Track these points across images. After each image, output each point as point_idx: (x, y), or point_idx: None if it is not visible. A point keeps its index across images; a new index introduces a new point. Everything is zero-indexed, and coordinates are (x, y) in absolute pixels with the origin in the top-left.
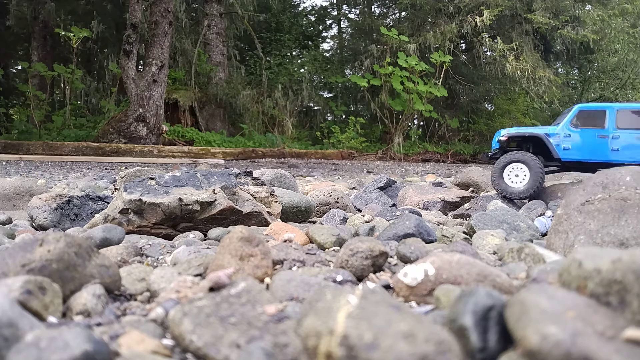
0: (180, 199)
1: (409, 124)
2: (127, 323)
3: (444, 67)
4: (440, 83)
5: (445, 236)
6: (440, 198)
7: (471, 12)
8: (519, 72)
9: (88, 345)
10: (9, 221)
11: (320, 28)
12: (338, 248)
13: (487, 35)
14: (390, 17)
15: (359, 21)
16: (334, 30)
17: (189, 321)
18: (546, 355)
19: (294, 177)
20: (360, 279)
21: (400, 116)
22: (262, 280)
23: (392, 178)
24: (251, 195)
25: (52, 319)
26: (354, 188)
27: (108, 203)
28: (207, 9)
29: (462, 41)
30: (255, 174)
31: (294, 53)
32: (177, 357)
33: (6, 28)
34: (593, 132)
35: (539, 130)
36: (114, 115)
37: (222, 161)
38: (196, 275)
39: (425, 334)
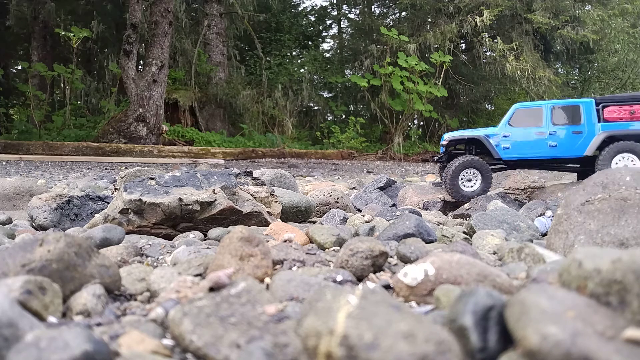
0: (180, 199)
1: (409, 124)
2: (127, 323)
3: (444, 67)
4: (440, 83)
5: (445, 236)
6: (440, 198)
7: (471, 12)
8: (519, 72)
9: (88, 345)
10: (9, 221)
11: (320, 28)
12: (338, 248)
13: (487, 35)
14: (390, 17)
15: (359, 21)
16: (334, 30)
17: (189, 321)
18: (546, 355)
19: (294, 177)
20: (360, 279)
21: (400, 116)
22: (262, 280)
23: (392, 178)
24: (251, 195)
25: (52, 319)
26: (354, 188)
27: (108, 203)
28: (207, 9)
29: (462, 41)
30: (255, 174)
31: (294, 53)
32: (177, 357)
33: (6, 28)
34: (530, 130)
35: (479, 132)
36: (114, 115)
37: (222, 161)
38: (196, 275)
39: (425, 334)
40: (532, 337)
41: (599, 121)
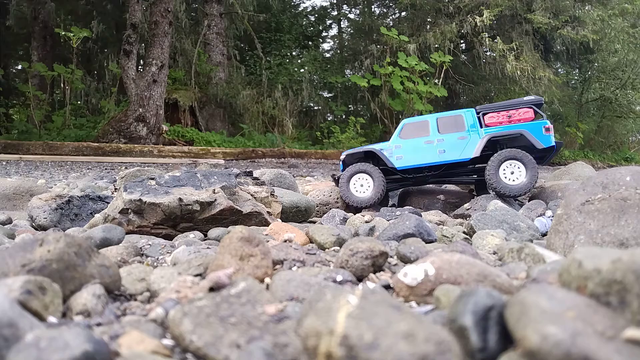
0: (180, 199)
1: None
2: (127, 323)
3: (444, 67)
4: (440, 83)
5: (445, 236)
6: (440, 198)
7: (471, 12)
8: (519, 72)
9: (88, 345)
10: (9, 221)
11: (320, 28)
12: (338, 248)
13: (487, 35)
14: (390, 17)
15: (359, 21)
16: (334, 30)
17: (189, 321)
18: (546, 355)
19: (294, 177)
20: (360, 279)
21: (400, 116)
22: (262, 280)
23: None
24: (251, 195)
25: (52, 319)
26: None
27: (108, 203)
28: (207, 9)
29: (462, 41)
30: (255, 174)
31: (294, 53)
32: (177, 357)
33: (6, 28)
34: (420, 140)
35: (374, 146)
36: (114, 115)
37: (222, 161)
38: (196, 275)
39: (425, 334)
40: (532, 337)
41: (481, 127)
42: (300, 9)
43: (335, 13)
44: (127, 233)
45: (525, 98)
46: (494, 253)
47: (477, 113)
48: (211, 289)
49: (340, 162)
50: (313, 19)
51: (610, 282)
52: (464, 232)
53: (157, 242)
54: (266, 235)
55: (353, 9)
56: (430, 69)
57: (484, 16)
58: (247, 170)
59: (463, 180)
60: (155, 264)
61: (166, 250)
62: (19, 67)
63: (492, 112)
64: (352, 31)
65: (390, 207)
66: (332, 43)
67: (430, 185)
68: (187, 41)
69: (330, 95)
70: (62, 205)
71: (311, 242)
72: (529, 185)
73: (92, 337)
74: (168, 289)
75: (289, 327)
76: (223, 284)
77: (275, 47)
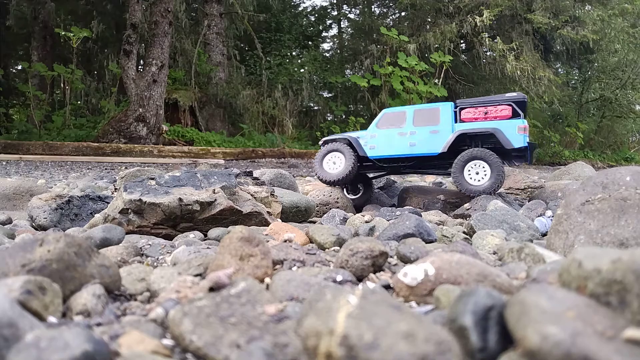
0: (180, 199)
1: None
2: (127, 323)
3: (444, 67)
4: (440, 83)
5: (445, 236)
6: (440, 198)
7: (471, 12)
8: (519, 72)
9: (88, 345)
10: (9, 221)
11: (320, 28)
12: (338, 248)
13: (487, 35)
14: (390, 17)
15: (359, 21)
16: (334, 30)
17: (189, 321)
18: (546, 355)
19: (294, 177)
20: (360, 279)
21: None
22: (262, 280)
23: (392, 178)
24: (251, 195)
25: (52, 319)
26: None
27: (108, 203)
28: (207, 9)
29: (462, 41)
30: (255, 174)
31: (294, 53)
32: (177, 357)
33: (6, 28)
34: (394, 131)
35: (351, 134)
36: (114, 115)
37: (222, 161)
38: (196, 275)
39: (425, 334)
40: (532, 337)
41: (456, 122)
42: (300, 9)
43: (335, 13)
44: (127, 233)
45: (507, 95)
46: (494, 253)
47: (456, 107)
48: (211, 289)
49: (321, 146)
50: (313, 19)
51: (610, 282)
52: (464, 232)
53: (157, 242)
54: (266, 235)
55: (353, 9)
56: (430, 69)
57: (484, 16)
58: (247, 170)
59: (440, 173)
60: (155, 264)
61: (166, 250)
62: (19, 67)
63: (470, 107)
64: (352, 31)
65: (390, 207)
66: (332, 43)
67: (430, 185)
68: (187, 41)
69: (330, 95)
70: (62, 205)
71: (311, 242)
72: (493, 186)
73: (92, 337)
74: (168, 289)
75: (289, 327)
76: (223, 284)
77: (275, 47)
